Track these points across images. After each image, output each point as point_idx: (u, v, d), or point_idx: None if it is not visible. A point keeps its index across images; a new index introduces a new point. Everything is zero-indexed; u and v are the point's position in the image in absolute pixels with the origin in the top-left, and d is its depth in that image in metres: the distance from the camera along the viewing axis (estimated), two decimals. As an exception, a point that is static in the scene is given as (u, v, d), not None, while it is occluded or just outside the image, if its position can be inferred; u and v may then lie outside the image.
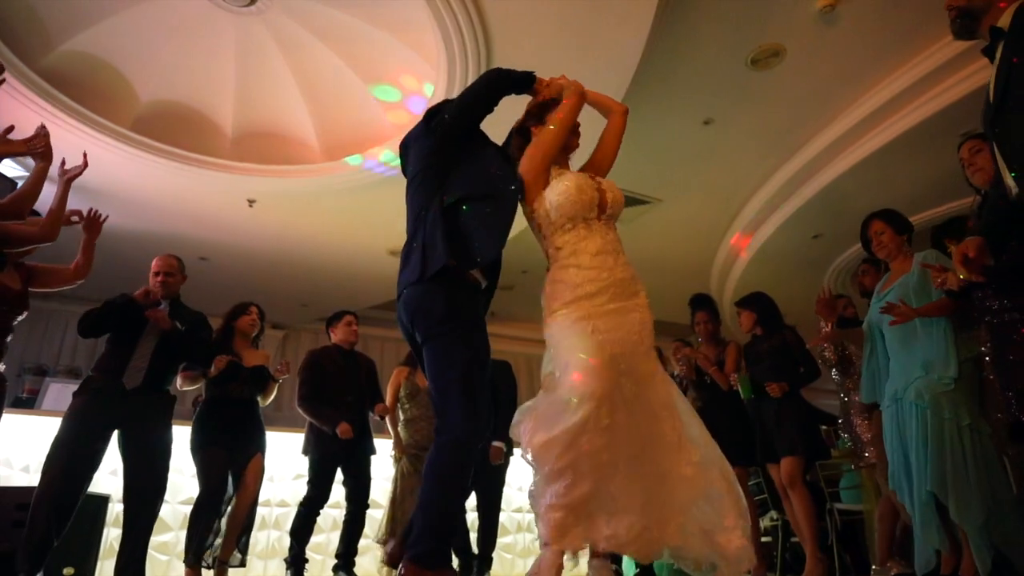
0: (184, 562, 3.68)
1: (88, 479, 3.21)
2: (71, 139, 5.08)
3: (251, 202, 6.28)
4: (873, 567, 3.59)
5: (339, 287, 7.90)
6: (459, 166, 2.21)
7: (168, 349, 3.50)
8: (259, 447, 4.00)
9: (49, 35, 4.76)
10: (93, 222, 3.27)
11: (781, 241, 6.89)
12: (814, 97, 5.12)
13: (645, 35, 4.27)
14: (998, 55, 1.92)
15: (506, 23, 4.25)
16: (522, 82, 2.36)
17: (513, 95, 2.38)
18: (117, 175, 5.74)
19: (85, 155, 3.17)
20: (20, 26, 4.60)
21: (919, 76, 4.72)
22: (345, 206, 6.29)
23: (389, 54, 5.00)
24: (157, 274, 3.59)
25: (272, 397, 4.21)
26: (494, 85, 2.31)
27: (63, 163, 3.08)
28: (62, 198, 3.03)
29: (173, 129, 5.55)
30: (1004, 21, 1.86)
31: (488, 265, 2.15)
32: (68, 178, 3.06)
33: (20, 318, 2.96)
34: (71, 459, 3.12)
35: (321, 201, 6.29)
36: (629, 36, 4.31)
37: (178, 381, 3.92)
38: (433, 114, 2.30)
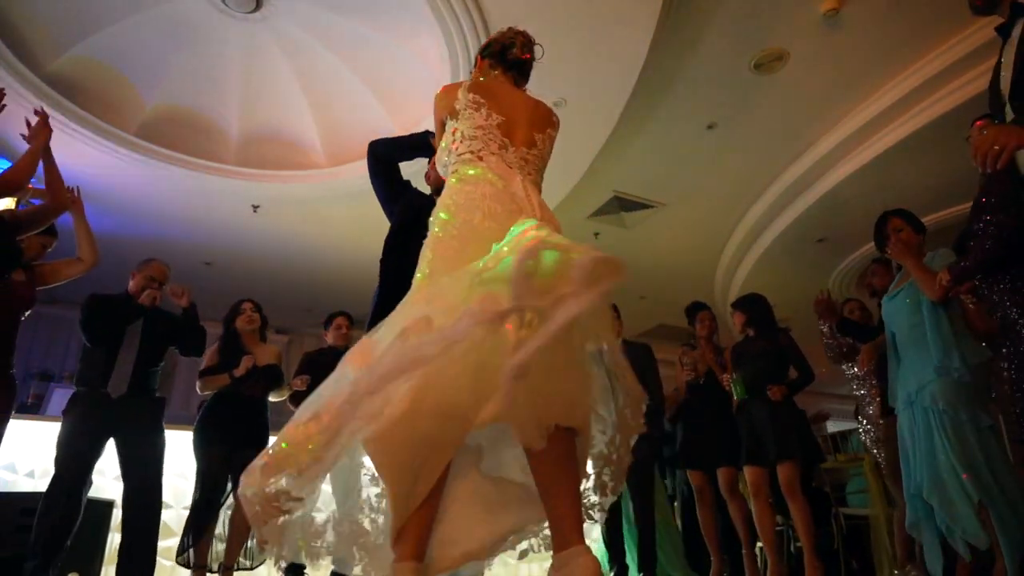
0: (178, 562, 3.70)
1: (87, 487, 3.24)
2: (77, 145, 5.11)
3: (255, 207, 6.30)
4: (895, 572, 3.58)
5: (343, 291, 7.90)
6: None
7: (151, 350, 3.51)
8: (262, 449, 4.00)
9: (55, 41, 4.78)
10: (74, 200, 3.23)
11: (785, 245, 6.88)
12: (818, 101, 5.11)
13: (648, 40, 4.27)
14: (1017, 31, 1.87)
15: (510, 29, 4.26)
16: (425, 146, 2.56)
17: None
18: (122, 181, 5.76)
19: (44, 112, 2.96)
20: (26, 32, 4.63)
21: (923, 80, 4.72)
22: (349, 211, 6.30)
23: (393, 60, 5.01)
24: (154, 280, 3.62)
25: (283, 397, 4.26)
26: (381, 150, 2.65)
27: (28, 125, 2.91)
28: (50, 165, 2.93)
29: (178, 135, 5.58)
30: None
31: None
32: (41, 144, 2.88)
33: (26, 314, 2.99)
34: (72, 474, 3.14)
35: (325, 206, 6.31)
36: (633, 42, 4.32)
37: (199, 385, 3.95)
38: None
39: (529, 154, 1.88)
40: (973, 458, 2.57)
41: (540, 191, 1.90)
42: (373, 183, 2.70)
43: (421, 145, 2.66)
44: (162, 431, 3.51)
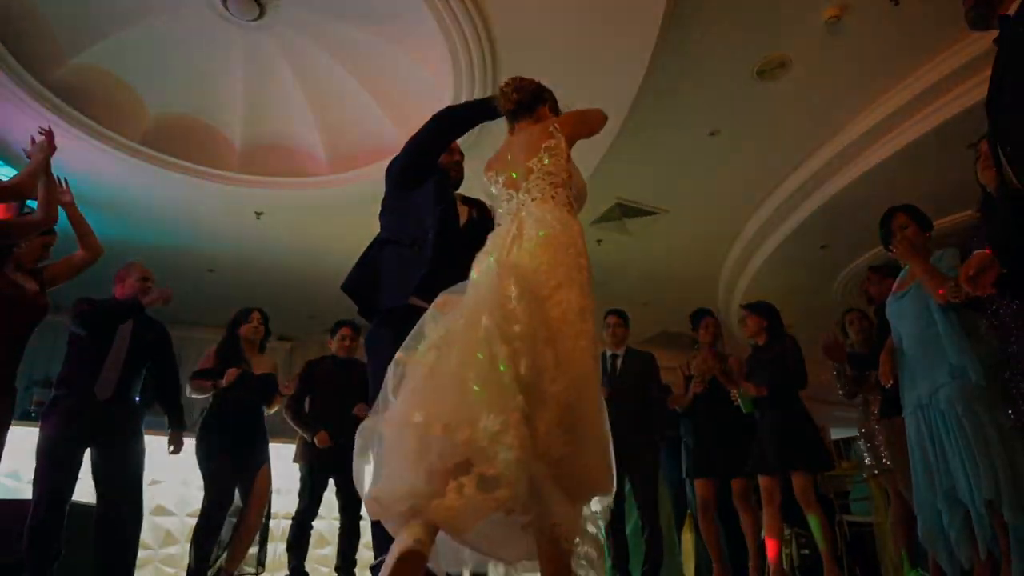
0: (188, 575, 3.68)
1: (70, 494, 3.22)
2: (81, 152, 5.13)
3: (258, 214, 6.32)
4: None
5: (346, 298, 7.88)
6: (394, 212, 2.48)
7: (137, 355, 3.49)
8: (265, 458, 3.99)
9: (60, 49, 4.80)
10: (64, 192, 3.20)
11: (788, 252, 6.88)
12: (820, 108, 5.12)
13: (651, 47, 4.28)
14: None
15: (512, 37, 4.28)
16: (490, 111, 2.43)
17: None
18: (126, 188, 5.78)
19: (51, 131, 2.97)
20: (31, 40, 4.64)
21: (926, 86, 4.72)
22: (351, 218, 6.30)
23: (396, 68, 5.03)
24: (147, 279, 3.61)
25: (277, 408, 4.22)
26: (446, 124, 2.48)
27: (32, 141, 2.92)
28: (47, 181, 2.90)
29: (182, 142, 5.59)
30: (1012, 9, 1.84)
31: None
32: (43, 159, 2.86)
33: (39, 321, 3.01)
34: (58, 482, 3.15)
35: (328, 213, 6.32)
36: (635, 48, 4.33)
37: (187, 389, 3.94)
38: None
39: (529, 183, 2.03)
40: (993, 459, 2.48)
41: (554, 197, 2.01)
42: (416, 158, 2.47)
43: (488, 112, 2.44)
44: (142, 438, 3.47)
